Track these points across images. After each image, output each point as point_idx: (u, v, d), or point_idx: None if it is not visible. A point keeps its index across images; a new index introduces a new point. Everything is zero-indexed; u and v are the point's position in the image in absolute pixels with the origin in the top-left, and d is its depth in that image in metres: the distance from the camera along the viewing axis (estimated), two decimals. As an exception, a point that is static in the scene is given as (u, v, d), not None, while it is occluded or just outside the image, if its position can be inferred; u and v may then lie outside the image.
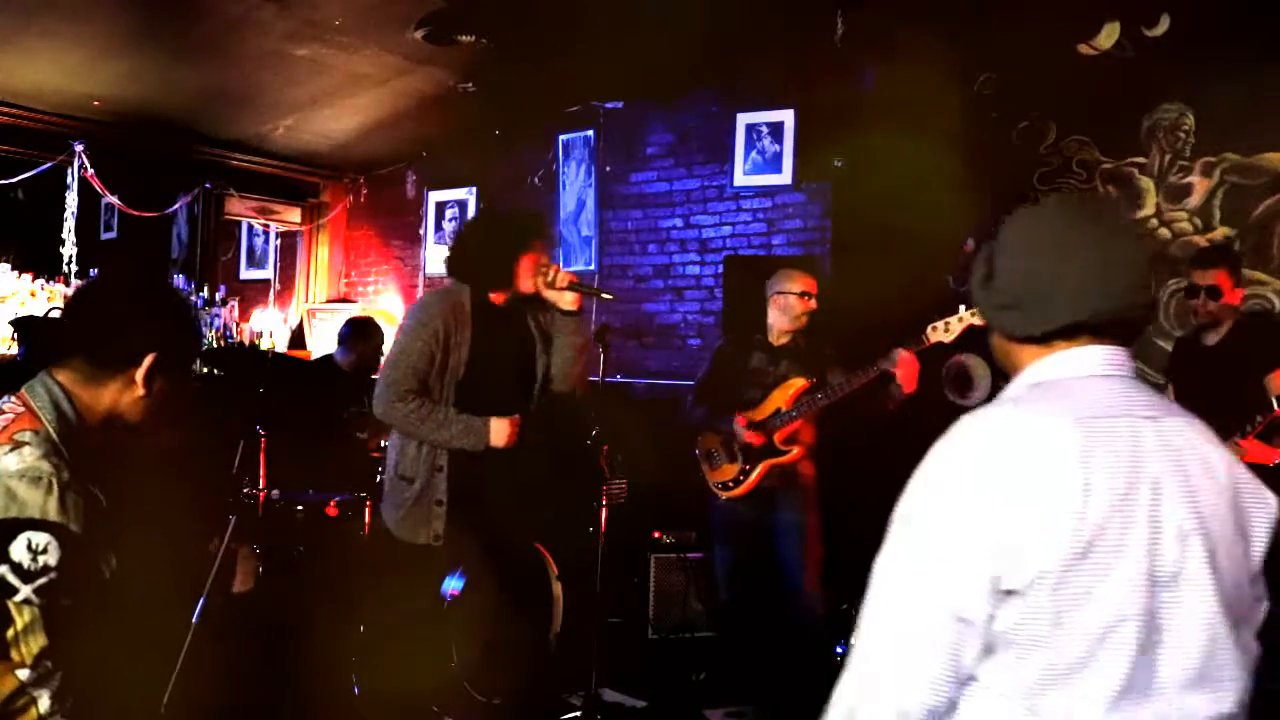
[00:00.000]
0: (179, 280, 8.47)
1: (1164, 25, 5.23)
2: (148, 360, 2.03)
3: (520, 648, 3.96)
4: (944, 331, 3.80)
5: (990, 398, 5.58)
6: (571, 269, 7.73)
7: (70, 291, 7.40)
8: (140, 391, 2.04)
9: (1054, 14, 5.44)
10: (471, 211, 8.55)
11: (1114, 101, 5.40)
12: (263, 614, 4.39)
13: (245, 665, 3.93)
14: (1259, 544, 1.53)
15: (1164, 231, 5.28)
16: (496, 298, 3.68)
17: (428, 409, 3.53)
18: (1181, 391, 4.51)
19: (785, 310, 4.73)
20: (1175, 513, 1.43)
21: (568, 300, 3.72)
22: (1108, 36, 5.37)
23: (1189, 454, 1.48)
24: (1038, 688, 1.40)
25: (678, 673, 5.17)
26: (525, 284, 3.66)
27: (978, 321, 3.56)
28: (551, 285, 3.67)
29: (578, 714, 4.42)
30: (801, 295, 4.69)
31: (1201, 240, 5.14)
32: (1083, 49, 5.42)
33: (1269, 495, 1.54)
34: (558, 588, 4.53)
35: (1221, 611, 1.45)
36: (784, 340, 4.74)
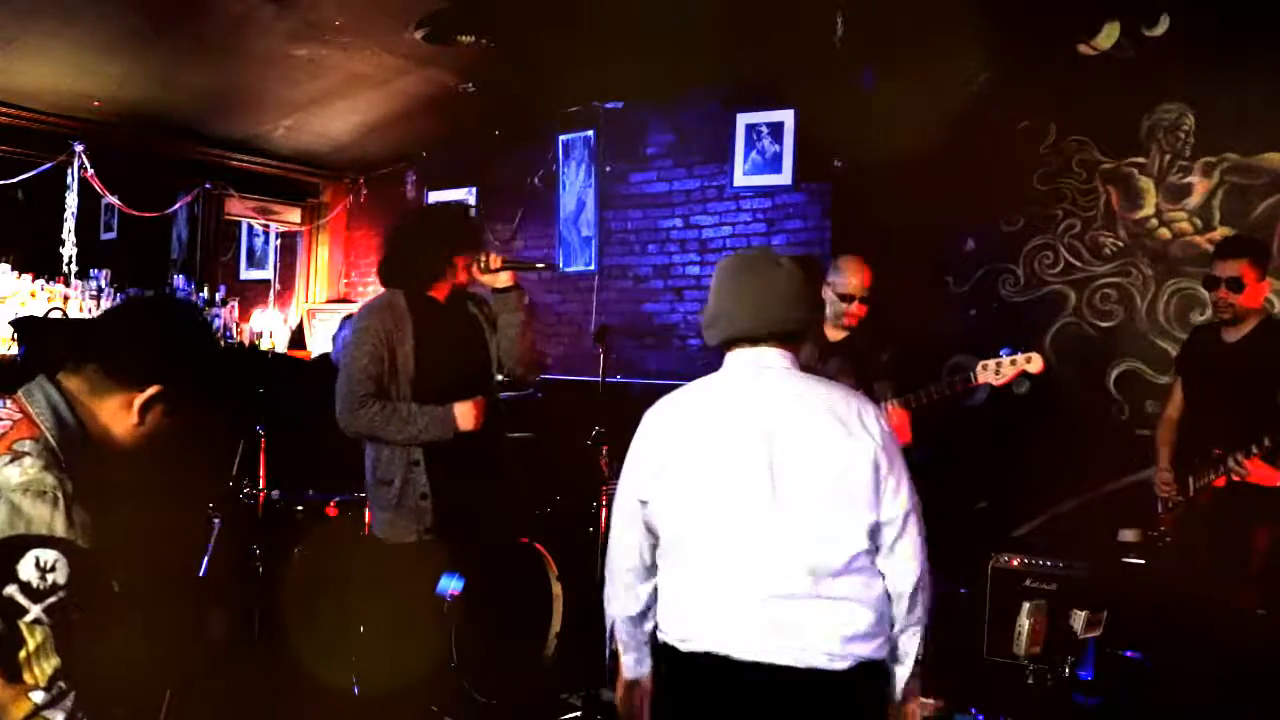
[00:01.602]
0: (179, 281, 8.46)
1: (1164, 25, 5.23)
2: (151, 389, 1.98)
3: (520, 646, 3.95)
4: (994, 374, 3.75)
5: (991, 399, 5.59)
6: (571, 269, 7.75)
7: (77, 294, 7.42)
8: (134, 419, 2.00)
9: (1053, 14, 5.44)
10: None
11: (1114, 102, 5.40)
12: (262, 615, 4.39)
13: (244, 667, 3.93)
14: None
15: (1164, 232, 5.28)
16: (435, 293, 3.69)
17: (390, 409, 3.53)
18: (1192, 388, 4.43)
19: (830, 306, 4.46)
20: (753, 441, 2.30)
21: (502, 279, 3.74)
22: (1107, 36, 5.37)
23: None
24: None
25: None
26: (461, 277, 3.69)
27: (1033, 369, 3.51)
28: (486, 270, 3.71)
29: (578, 714, 4.42)
30: (843, 297, 4.38)
31: (1202, 240, 5.14)
32: (1082, 49, 5.42)
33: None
34: (558, 587, 4.53)
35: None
36: (838, 336, 4.47)
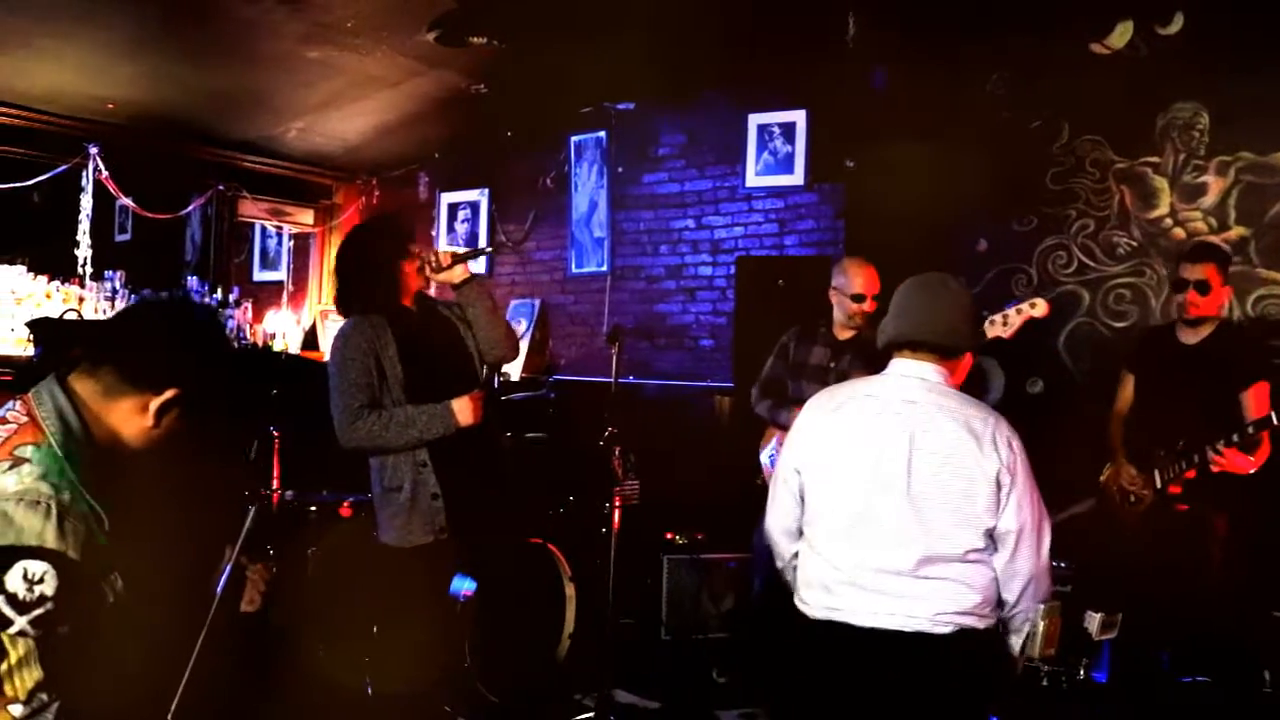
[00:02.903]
0: (193, 282, 8.49)
1: (1178, 24, 5.21)
2: (169, 393, 1.97)
3: (533, 647, 3.95)
4: (1002, 326, 3.77)
5: (1005, 398, 5.58)
6: (582, 270, 7.76)
7: (92, 295, 7.44)
8: (149, 422, 1.98)
9: (1066, 13, 5.43)
10: (484, 212, 8.56)
11: (1127, 101, 5.38)
12: (275, 615, 4.40)
13: (257, 667, 3.93)
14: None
15: (1179, 231, 5.26)
16: (408, 299, 3.70)
17: (387, 416, 3.52)
18: (1148, 386, 4.50)
19: (839, 307, 4.64)
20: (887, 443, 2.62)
21: (457, 274, 3.74)
22: (1121, 35, 5.35)
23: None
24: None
25: (691, 674, 5.16)
26: (415, 283, 3.69)
27: (1038, 314, 3.53)
28: (437, 270, 3.70)
29: (591, 715, 4.42)
30: (854, 298, 4.56)
31: (1217, 240, 5.12)
32: (1096, 48, 5.40)
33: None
34: (571, 588, 4.54)
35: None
36: (848, 334, 4.63)
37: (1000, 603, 2.64)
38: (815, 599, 2.67)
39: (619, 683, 4.78)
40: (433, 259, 3.71)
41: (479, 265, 7.87)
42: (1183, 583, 4.16)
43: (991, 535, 2.57)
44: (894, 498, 2.58)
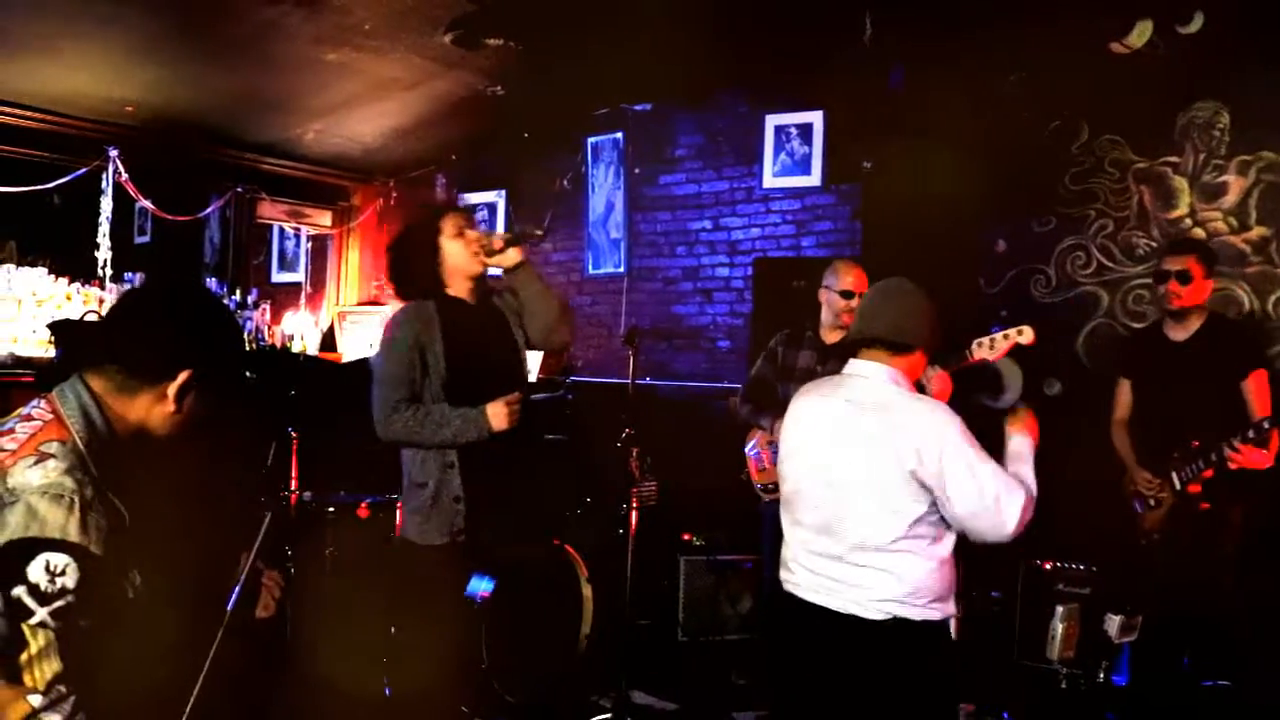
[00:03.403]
0: (212, 283, 8.53)
1: (1198, 23, 5.17)
2: (182, 376, 1.98)
3: (550, 648, 3.95)
4: (989, 349, 3.77)
5: (1023, 399, 5.56)
6: (599, 271, 7.76)
7: (112, 296, 7.48)
8: (171, 407, 2.00)
9: (1085, 12, 5.40)
10: (501, 214, 8.58)
11: (1147, 100, 5.36)
12: (292, 615, 4.42)
13: (273, 667, 3.95)
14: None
15: (1199, 231, 5.23)
16: (462, 294, 3.68)
17: (423, 413, 3.51)
18: (1145, 389, 4.49)
19: (829, 306, 4.67)
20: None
21: (511, 257, 3.67)
22: (1140, 35, 5.32)
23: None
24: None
25: (708, 675, 5.16)
26: (470, 267, 3.63)
27: (1025, 341, 3.53)
28: (492, 253, 3.63)
29: (608, 716, 4.43)
30: (843, 294, 4.59)
31: (1238, 240, 5.09)
32: (1115, 47, 5.37)
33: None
34: (588, 589, 4.54)
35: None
36: (835, 338, 4.63)
37: (942, 595, 2.75)
38: (783, 573, 2.98)
39: (636, 684, 4.79)
40: (486, 241, 3.65)
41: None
42: (1205, 585, 4.15)
43: (928, 523, 2.71)
44: (823, 486, 2.83)
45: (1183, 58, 5.21)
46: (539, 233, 4.06)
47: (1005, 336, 3.66)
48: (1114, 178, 5.50)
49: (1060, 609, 4.63)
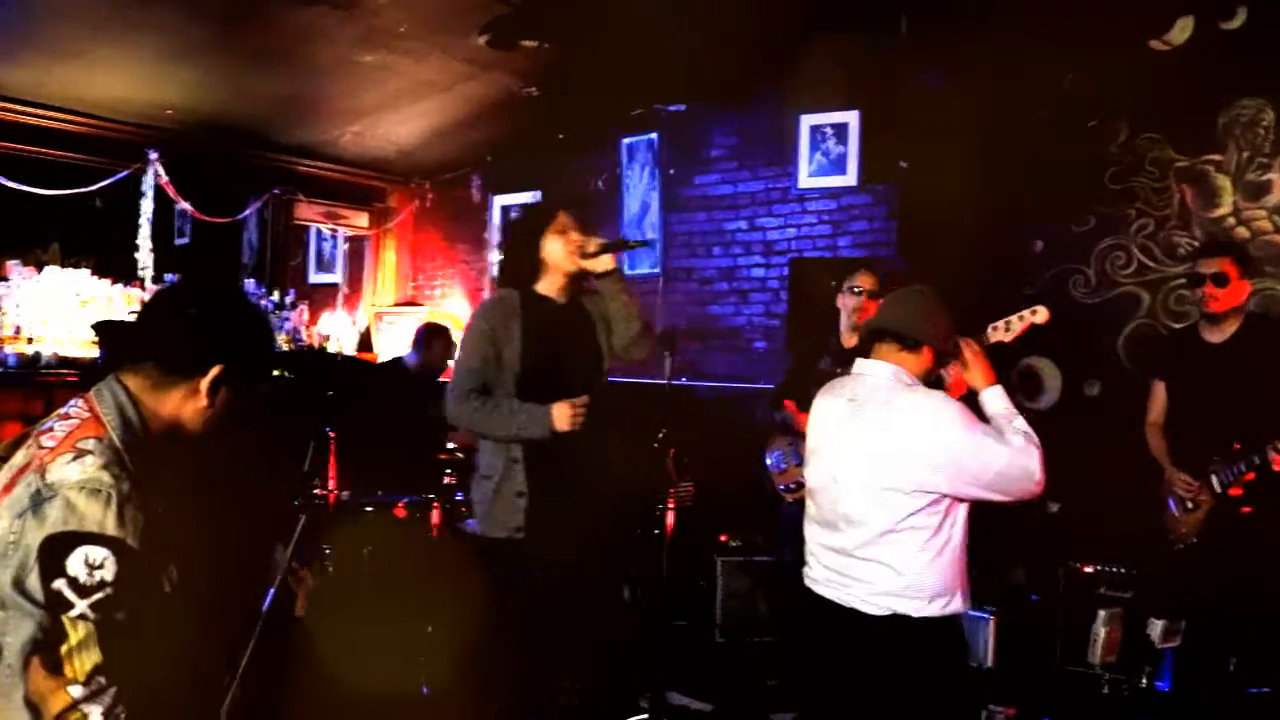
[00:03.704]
0: (250, 284, 8.60)
1: (1240, 18, 5.11)
2: (214, 371, 2.01)
3: (591, 648, 3.95)
4: (1004, 331, 3.75)
5: (1062, 401, 5.51)
6: (635, 272, 7.76)
7: (146, 296, 7.55)
8: (204, 402, 2.02)
9: (1124, 9, 5.34)
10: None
11: (1188, 98, 5.29)
12: (329, 615, 4.44)
13: (310, 667, 3.98)
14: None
15: (1242, 231, 5.16)
16: (556, 289, 3.69)
17: (490, 405, 3.56)
18: (1181, 391, 4.43)
19: (845, 309, 4.72)
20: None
21: (603, 263, 3.68)
22: (1181, 31, 5.26)
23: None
24: None
25: (744, 677, 5.15)
26: (563, 265, 3.64)
27: (1039, 320, 3.51)
28: (586, 255, 3.64)
29: (645, 716, 4.43)
30: (854, 291, 4.65)
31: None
32: (1155, 44, 5.31)
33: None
34: (625, 590, 4.54)
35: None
36: (853, 342, 4.63)
37: (943, 591, 2.79)
38: (806, 570, 3.08)
39: (672, 684, 4.78)
40: (583, 242, 3.66)
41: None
42: (1249, 588, 4.08)
43: (926, 514, 2.77)
44: (829, 482, 2.94)
45: (1225, 54, 5.15)
46: (634, 243, 4.05)
47: (1020, 318, 3.65)
48: (1154, 176, 5.44)
49: (1102, 613, 4.59)
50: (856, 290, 4.66)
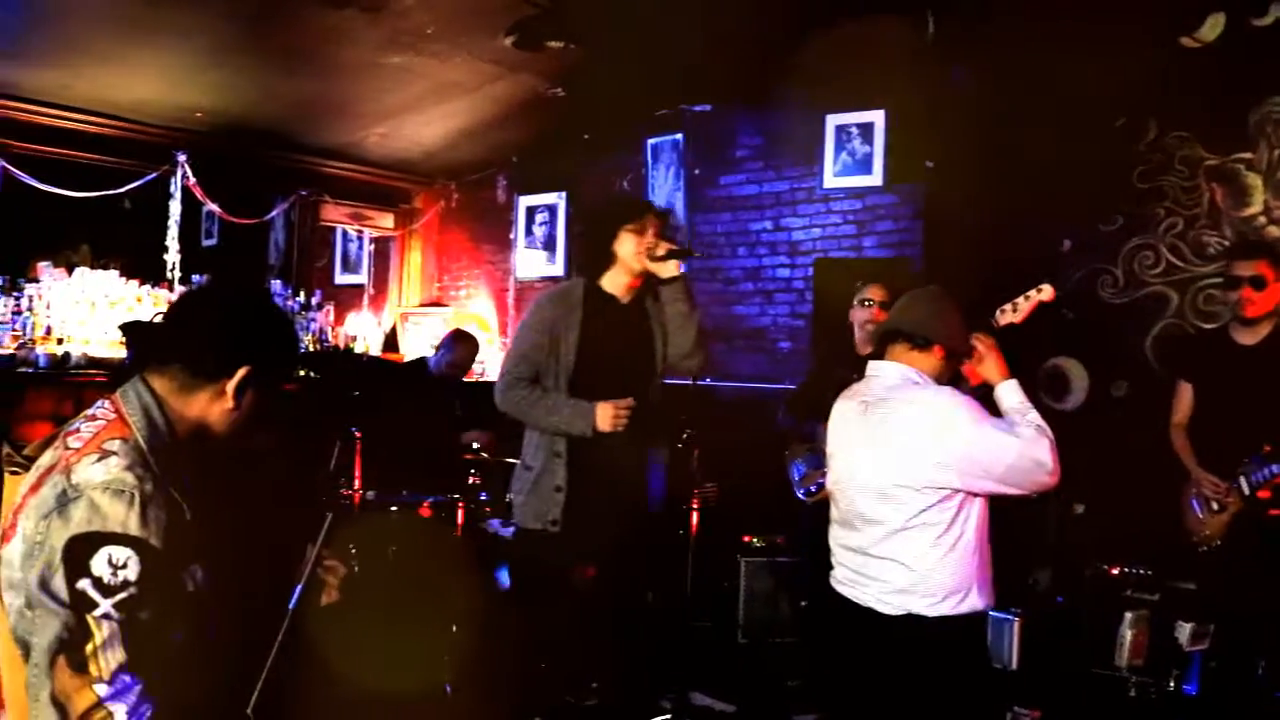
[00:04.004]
0: (276, 285, 8.66)
1: (1272, 15, 5.06)
2: (240, 373, 2.02)
3: (616, 649, 3.95)
4: (1012, 313, 3.73)
5: (1089, 401, 5.47)
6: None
7: (173, 298, 7.61)
8: (230, 404, 2.04)
9: (1155, 6, 5.29)
10: (562, 215, 8.62)
11: (1219, 95, 5.24)
12: (353, 615, 4.46)
13: (334, 666, 3.99)
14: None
15: (1273, 230, 5.11)
16: (620, 286, 3.69)
17: (538, 395, 3.59)
18: (1209, 392, 4.39)
19: (856, 322, 4.78)
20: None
21: (668, 269, 3.69)
22: (1212, 28, 5.20)
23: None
24: None
25: (767, 677, 5.14)
26: (630, 262, 3.64)
27: (1045, 298, 3.48)
28: (654, 257, 3.64)
29: (668, 716, 4.42)
30: (864, 304, 4.69)
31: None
32: (1185, 41, 5.26)
33: None
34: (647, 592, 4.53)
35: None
36: (866, 351, 4.70)
37: (957, 589, 2.81)
38: (832, 570, 3.12)
39: (695, 685, 4.78)
40: (653, 243, 3.66)
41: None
42: (1278, 591, 4.04)
43: (937, 510, 2.80)
44: (845, 480, 3.01)
45: (1257, 51, 5.09)
46: (696, 254, 4.05)
47: (1026, 297, 3.63)
48: (1183, 175, 5.39)
49: (1129, 615, 4.55)
50: (868, 303, 4.69)
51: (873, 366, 3.08)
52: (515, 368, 3.63)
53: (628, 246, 3.64)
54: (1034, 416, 2.89)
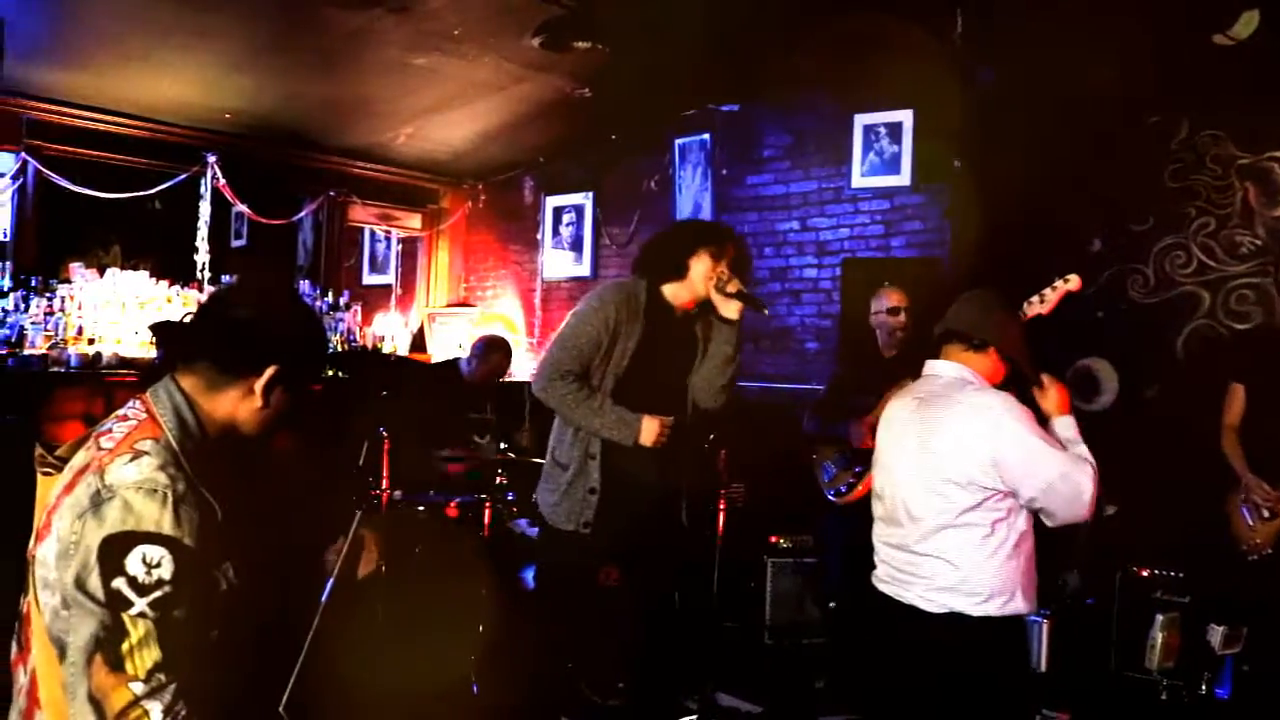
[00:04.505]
0: (304, 285, 8.71)
1: (1307, 13, 4.99)
2: (269, 371, 2.02)
3: (642, 650, 3.95)
4: (1040, 304, 3.70)
5: (1119, 402, 5.42)
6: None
7: (203, 297, 7.67)
8: (259, 403, 2.03)
9: (1186, 3, 5.24)
10: (589, 215, 8.63)
11: (1252, 93, 5.18)
12: (381, 614, 4.48)
13: (362, 665, 4.01)
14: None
15: (1307, 229, 5.05)
16: (677, 300, 3.66)
17: (585, 393, 3.53)
18: (1264, 394, 4.36)
19: (881, 328, 4.87)
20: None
21: (732, 309, 3.64)
22: (1246, 25, 5.14)
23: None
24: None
25: (793, 678, 5.12)
26: (696, 287, 3.61)
27: (1073, 288, 3.46)
28: (721, 290, 3.61)
29: (694, 717, 4.42)
30: (890, 312, 4.80)
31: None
32: (1218, 39, 5.20)
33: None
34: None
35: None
36: (891, 354, 4.85)
37: (1001, 590, 2.81)
38: (874, 570, 3.12)
39: (721, 685, 4.77)
40: (725, 277, 3.62)
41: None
42: None
43: (983, 510, 2.81)
44: (895, 476, 3.01)
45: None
46: (765, 309, 4.01)
47: (1054, 288, 3.60)
48: (1216, 174, 5.34)
49: (1159, 617, 4.51)
50: (894, 310, 4.82)
51: (930, 365, 3.11)
52: (566, 359, 3.53)
53: (701, 267, 3.59)
54: (1083, 450, 2.92)
